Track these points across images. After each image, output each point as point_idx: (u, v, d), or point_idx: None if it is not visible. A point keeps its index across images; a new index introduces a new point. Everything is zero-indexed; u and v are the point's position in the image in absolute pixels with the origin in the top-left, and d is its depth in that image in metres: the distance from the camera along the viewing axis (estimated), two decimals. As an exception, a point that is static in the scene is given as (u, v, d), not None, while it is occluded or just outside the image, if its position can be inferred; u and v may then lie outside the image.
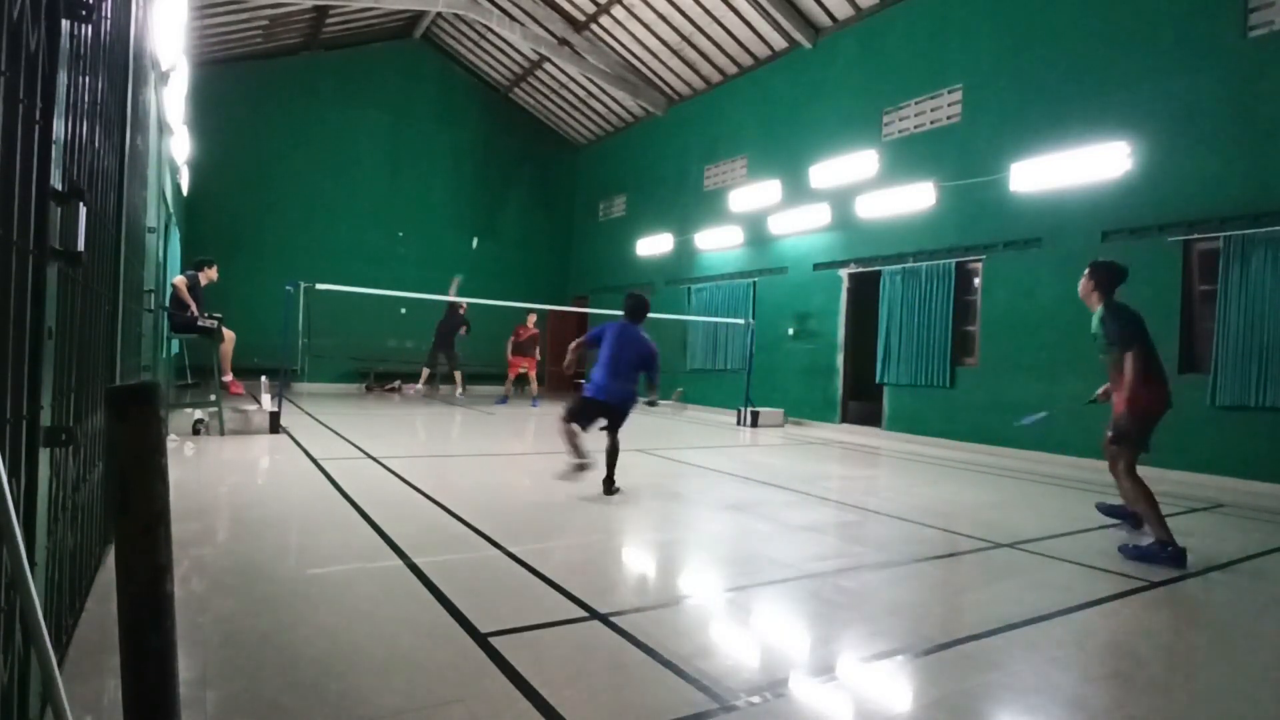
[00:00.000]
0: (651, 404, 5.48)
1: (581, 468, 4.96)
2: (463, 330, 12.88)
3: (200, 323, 6.96)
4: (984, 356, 8.90)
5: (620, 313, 5.27)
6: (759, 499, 5.28)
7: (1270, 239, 6.49)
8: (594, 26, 13.45)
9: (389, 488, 4.96)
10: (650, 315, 5.36)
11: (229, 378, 7.72)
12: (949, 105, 9.43)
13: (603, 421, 5.13)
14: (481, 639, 2.39)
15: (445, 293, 12.15)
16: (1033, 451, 8.10)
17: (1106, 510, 4.50)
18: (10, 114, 1.29)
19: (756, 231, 12.30)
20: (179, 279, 7.06)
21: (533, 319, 12.74)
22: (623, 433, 5.16)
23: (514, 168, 17.17)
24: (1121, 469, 3.95)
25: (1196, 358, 7.13)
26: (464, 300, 12.21)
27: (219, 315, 7.23)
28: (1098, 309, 4.01)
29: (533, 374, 12.85)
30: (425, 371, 13.33)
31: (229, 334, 7.55)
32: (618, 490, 5.05)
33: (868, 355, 10.54)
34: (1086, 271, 4.11)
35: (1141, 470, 3.95)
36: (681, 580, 3.41)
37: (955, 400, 9.13)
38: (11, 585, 1.30)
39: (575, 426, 5.03)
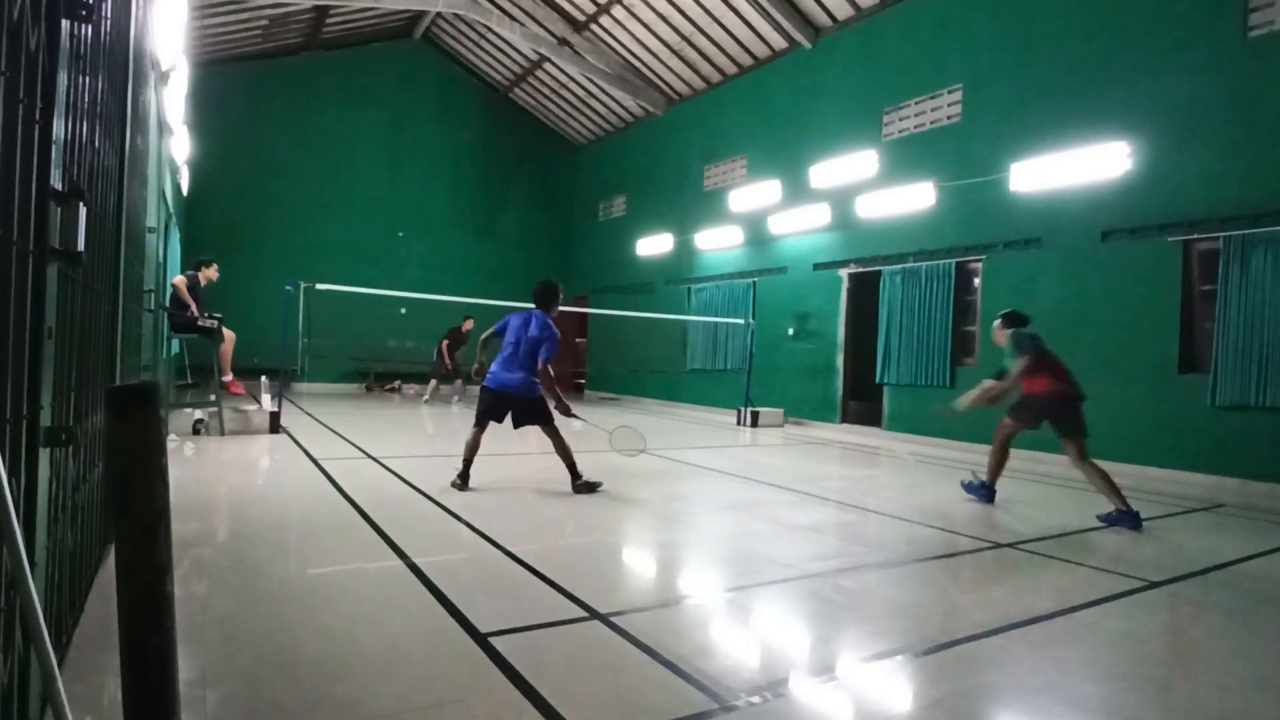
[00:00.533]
0: (566, 413, 5.13)
1: (457, 484, 4.88)
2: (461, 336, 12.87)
3: (200, 323, 6.95)
4: (984, 356, 8.90)
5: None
6: (759, 499, 5.28)
7: (1270, 239, 6.49)
8: (594, 26, 13.44)
9: (389, 488, 4.96)
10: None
11: (229, 378, 7.72)
12: (949, 105, 9.43)
13: (530, 419, 4.98)
14: (481, 639, 2.39)
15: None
16: (1032, 451, 8.08)
17: (1105, 519, 4.71)
18: (10, 114, 1.29)
19: (756, 231, 12.29)
20: (179, 279, 7.05)
21: None
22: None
23: (514, 168, 17.18)
24: (1074, 457, 4.81)
25: (1196, 358, 7.12)
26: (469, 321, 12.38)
27: (219, 315, 7.22)
28: (1007, 337, 5.21)
29: None
30: (432, 383, 13.09)
31: (229, 334, 7.54)
32: (593, 485, 5.00)
33: (868, 355, 10.54)
34: (998, 322, 5.38)
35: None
36: (681, 580, 3.41)
37: (955, 400, 9.10)
38: (11, 585, 1.30)
39: (477, 435, 4.97)
